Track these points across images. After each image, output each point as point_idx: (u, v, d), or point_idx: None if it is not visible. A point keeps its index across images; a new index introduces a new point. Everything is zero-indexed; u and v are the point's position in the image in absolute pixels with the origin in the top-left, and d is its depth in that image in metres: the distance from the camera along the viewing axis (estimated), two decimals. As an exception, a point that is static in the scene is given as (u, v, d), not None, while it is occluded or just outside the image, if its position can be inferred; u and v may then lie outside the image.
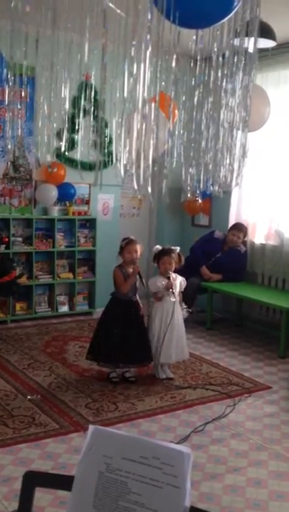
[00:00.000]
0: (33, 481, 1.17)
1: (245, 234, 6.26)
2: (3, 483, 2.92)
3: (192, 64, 2.84)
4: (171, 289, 4.39)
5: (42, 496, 2.73)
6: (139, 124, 2.14)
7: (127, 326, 4.35)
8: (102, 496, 1.10)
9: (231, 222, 6.44)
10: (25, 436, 3.47)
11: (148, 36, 2.03)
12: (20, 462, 3.15)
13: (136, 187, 2.33)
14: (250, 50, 2.95)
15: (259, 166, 6.04)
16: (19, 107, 4.23)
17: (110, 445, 1.13)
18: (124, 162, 2.32)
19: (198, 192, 3.00)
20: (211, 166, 2.90)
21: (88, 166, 5.79)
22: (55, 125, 3.35)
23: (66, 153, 5.94)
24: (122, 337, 4.32)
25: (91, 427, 1.15)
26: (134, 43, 2.07)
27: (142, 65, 2.10)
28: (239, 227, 6.25)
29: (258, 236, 6.30)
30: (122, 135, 2.31)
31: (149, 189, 2.33)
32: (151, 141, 2.26)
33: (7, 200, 5.97)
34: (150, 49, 2.08)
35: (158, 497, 1.05)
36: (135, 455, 1.10)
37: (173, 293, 4.39)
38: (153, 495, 1.06)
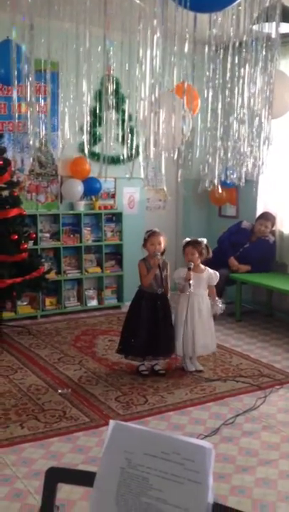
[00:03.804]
0: (55, 477, 1.17)
1: (274, 223, 6.16)
2: (34, 477, 2.94)
3: (212, 51, 2.79)
4: (189, 280, 4.33)
5: (72, 489, 2.74)
6: (153, 114, 2.12)
7: (152, 318, 4.34)
8: (124, 492, 1.09)
9: (259, 211, 6.34)
10: (56, 430, 3.49)
11: (154, 22, 1.99)
12: (51, 456, 3.18)
13: (142, 177, 2.30)
14: (273, 35, 2.89)
15: (286, 154, 5.92)
16: (42, 102, 4.23)
17: (131, 440, 1.11)
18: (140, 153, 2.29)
19: (218, 181, 2.93)
20: (230, 155, 2.85)
21: (112, 160, 5.77)
22: (78, 120, 3.34)
23: (90, 147, 5.92)
24: (148, 329, 4.32)
25: (112, 422, 1.14)
26: (139, 28, 2.03)
27: (151, 52, 2.06)
28: (267, 217, 6.15)
29: (287, 226, 6.19)
30: (139, 125, 2.28)
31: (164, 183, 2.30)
32: (170, 131, 2.23)
33: (34, 197, 6.01)
34: (158, 35, 2.04)
35: (179, 493, 1.04)
36: (156, 450, 1.08)
37: (190, 285, 4.33)
38: (174, 491, 1.04)
